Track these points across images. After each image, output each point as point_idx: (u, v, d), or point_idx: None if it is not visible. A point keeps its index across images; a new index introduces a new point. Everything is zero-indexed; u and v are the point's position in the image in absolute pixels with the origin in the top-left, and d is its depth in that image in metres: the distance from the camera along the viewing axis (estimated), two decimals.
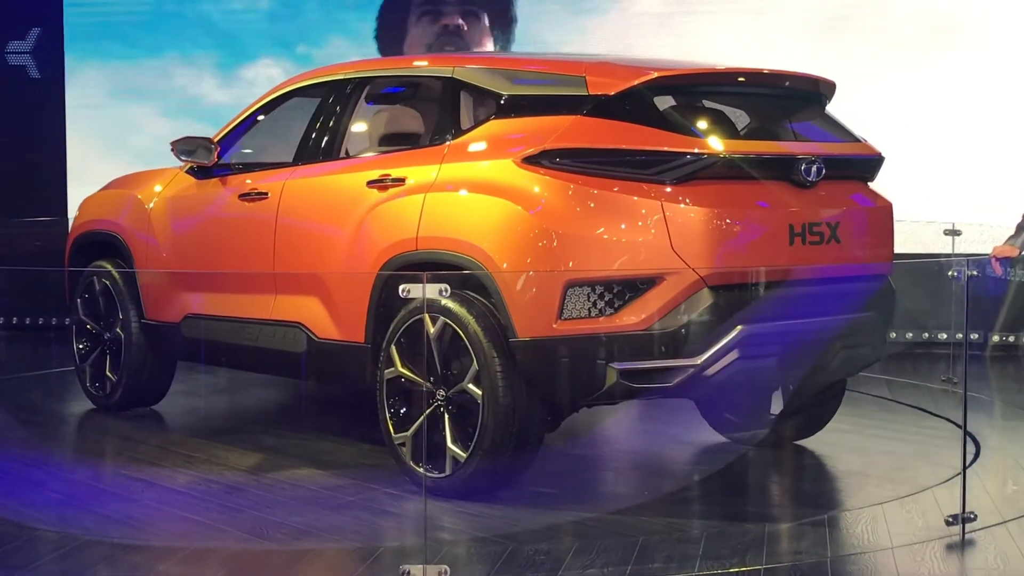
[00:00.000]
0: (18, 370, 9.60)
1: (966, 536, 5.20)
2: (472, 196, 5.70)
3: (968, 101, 10.02)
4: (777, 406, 6.75)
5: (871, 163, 6.11)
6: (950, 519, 5.26)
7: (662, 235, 5.34)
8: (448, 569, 4.63)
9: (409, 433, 5.77)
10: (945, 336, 8.05)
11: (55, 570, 4.80)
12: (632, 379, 5.36)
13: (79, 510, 5.64)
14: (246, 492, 5.94)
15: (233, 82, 11.51)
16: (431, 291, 5.04)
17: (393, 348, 5.78)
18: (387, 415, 5.87)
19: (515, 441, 5.53)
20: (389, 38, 11.00)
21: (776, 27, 10.55)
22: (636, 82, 5.63)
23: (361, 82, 6.71)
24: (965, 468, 5.44)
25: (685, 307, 5.35)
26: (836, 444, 6.98)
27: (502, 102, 5.90)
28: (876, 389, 8.18)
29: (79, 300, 7.63)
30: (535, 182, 5.51)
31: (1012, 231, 5.44)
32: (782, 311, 5.58)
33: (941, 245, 6.01)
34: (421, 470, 5.70)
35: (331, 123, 6.63)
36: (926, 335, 9.03)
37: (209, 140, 7.01)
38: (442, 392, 5.66)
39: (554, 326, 5.37)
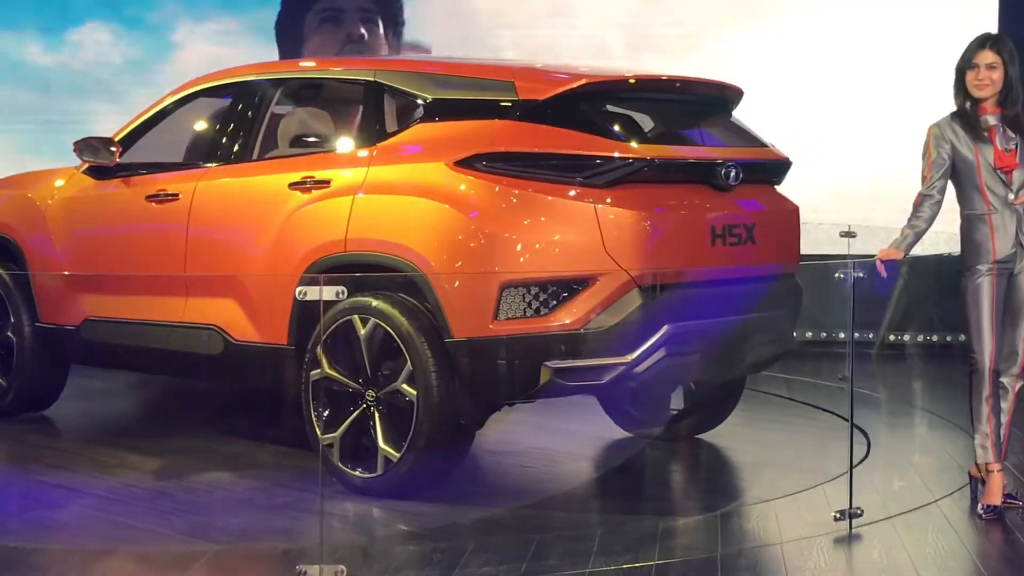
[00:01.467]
0: None
1: (853, 531, 5.28)
2: (405, 199, 5.71)
3: (865, 104, 10.18)
4: (677, 402, 6.81)
5: (780, 167, 6.30)
6: (838, 515, 5.35)
7: (595, 237, 5.44)
8: (344, 569, 4.62)
9: (337, 434, 5.79)
10: (843, 335, 8.13)
11: None
12: (565, 377, 5.45)
13: (12, 518, 5.57)
14: (161, 496, 5.91)
15: (60, 46, 11.21)
16: (328, 293, 5.04)
17: (319, 350, 5.77)
18: (313, 416, 5.83)
19: (449, 439, 5.60)
20: (287, 38, 10.88)
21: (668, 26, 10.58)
22: (566, 88, 5.73)
23: (276, 83, 6.68)
24: (852, 465, 5.51)
25: (617, 307, 5.43)
26: (733, 440, 7.06)
27: (429, 106, 5.93)
28: (775, 387, 8.28)
29: None
30: (469, 185, 5.57)
31: (899, 234, 5.51)
32: (704, 310, 5.72)
33: (840, 247, 6.08)
34: (350, 471, 5.73)
35: (245, 124, 6.58)
36: (824, 334, 9.17)
37: (110, 140, 6.90)
38: (372, 392, 5.69)
39: (490, 326, 5.43)
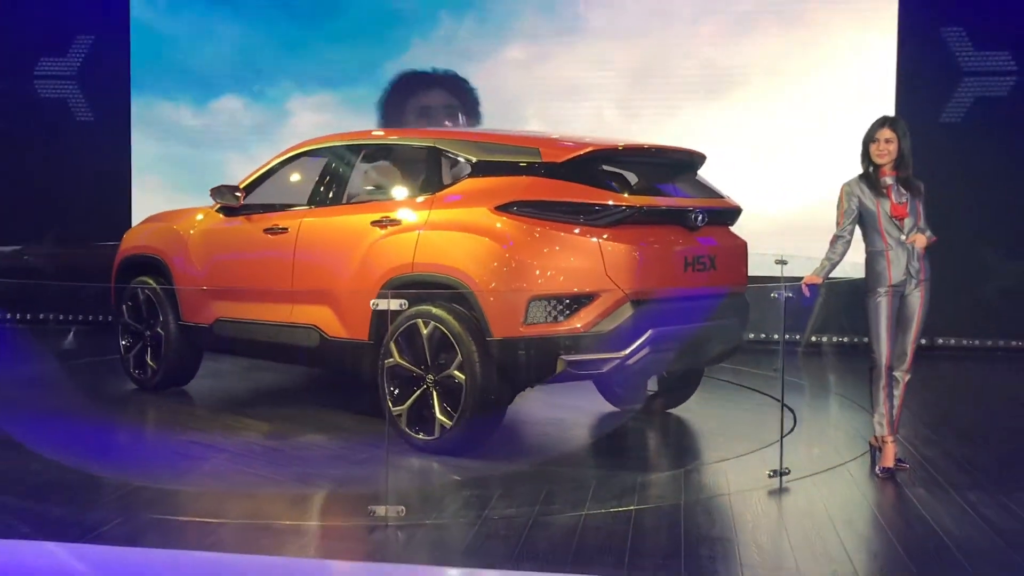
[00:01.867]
0: (81, 356, 9.44)
1: (783, 486, 5.27)
2: (457, 234, 5.75)
3: (794, 164, 10.15)
4: (653, 385, 6.82)
5: (734, 213, 6.35)
6: (771, 473, 5.34)
7: (599, 264, 5.50)
8: (404, 508, 4.64)
9: (405, 407, 5.81)
10: (777, 337, 8.12)
11: (115, 507, 4.78)
12: (576, 367, 5.51)
13: (164, 467, 5.59)
14: (274, 452, 5.91)
15: (204, 112, 11.26)
16: (394, 305, 5.15)
17: (392, 344, 5.81)
18: (386, 394, 5.87)
19: (488, 411, 5.63)
20: (392, 107, 10.90)
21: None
22: (577, 153, 5.77)
23: (361, 147, 6.70)
24: (782, 435, 5.52)
25: (614, 315, 5.49)
26: (695, 415, 7.02)
27: (475, 166, 5.95)
28: (726, 375, 8.26)
29: (124, 306, 7.54)
30: (505, 224, 5.62)
31: (819, 264, 5.51)
32: (678, 318, 5.76)
33: (775, 271, 6.10)
34: (414, 434, 5.78)
35: (337, 177, 6.60)
36: (763, 336, 9.13)
37: (236, 187, 6.95)
38: (431, 376, 5.72)
39: (520, 329, 5.49)
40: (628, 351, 5.54)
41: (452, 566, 4.15)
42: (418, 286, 5.80)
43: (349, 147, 6.71)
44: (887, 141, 5.45)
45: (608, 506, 4.88)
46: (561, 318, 5.48)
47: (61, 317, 11.11)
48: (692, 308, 5.88)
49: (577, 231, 5.55)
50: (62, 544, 4.27)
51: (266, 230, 6.73)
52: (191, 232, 7.27)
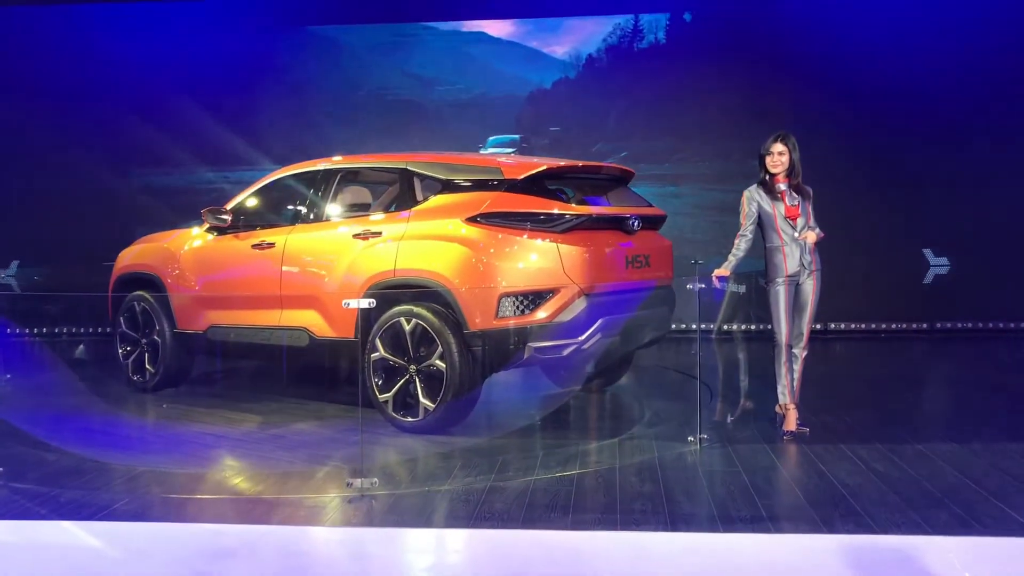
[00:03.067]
0: (90, 365, 9.22)
1: (702, 449, 5.32)
2: (434, 242, 5.73)
3: (707, 179, 10.26)
4: (590, 368, 6.81)
5: (661, 219, 6.44)
6: (691, 439, 5.37)
7: (557, 264, 5.53)
8: (376, 480, 4.61)
9: (391, 394, 5.79)
10: (694, 325, 8.19)
11: (124, 488, 4.71)
12: (541, 352, 5.54)
13: (165, 453, 5.47)
14: (263, 439, 5.82)
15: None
16: (364, 304, 5.11)
17: (377, 339, 5.80)
18: (373, 383, 5.84)
19: (465, 395, 5.62)
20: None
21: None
22: (534, 171, 5.79)
23: (339, 171, 6.58)
24: (700, 407, 5.55)
25: (571, 308, 5.52)
26: (627, 392, 7.06)
27: (444, 183, 5.94)
28: (652, 359, 8.32)
29: (121, 318, 7.36)
30: (476, 233, 5.62)
31: (726, 260, 5.57)
32: (621, 307, 5.80)
33: (690, 270, 6.15)
34: (401, 417, 5.77)
35: (319, 196, 6.50)
36: (683, 325, 9.19)
37: (226, 209, 6.85)
38: (413, 367, 5.71)
39: (493, 322, 5.49)
40: (583, 337, 5.59)
41: (420, 527, 4.12)
42: (400, 288, 5.79)
43: (328, 171, 6.61)
44: (780, 153, 5.54)
45: (554, 472, 4.90)
46: (527, 311, 5.50)
47: (74, 330, 10.90)
48: (633, 299, 5.95)
49: (538, 237, 5.57)
50: (76, 522, 4.19)
51: (254, 245, 6.62)
52: (184, 250, 7.12)
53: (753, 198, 5.58)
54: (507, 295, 5.49)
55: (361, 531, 4.13)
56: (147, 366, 7.25)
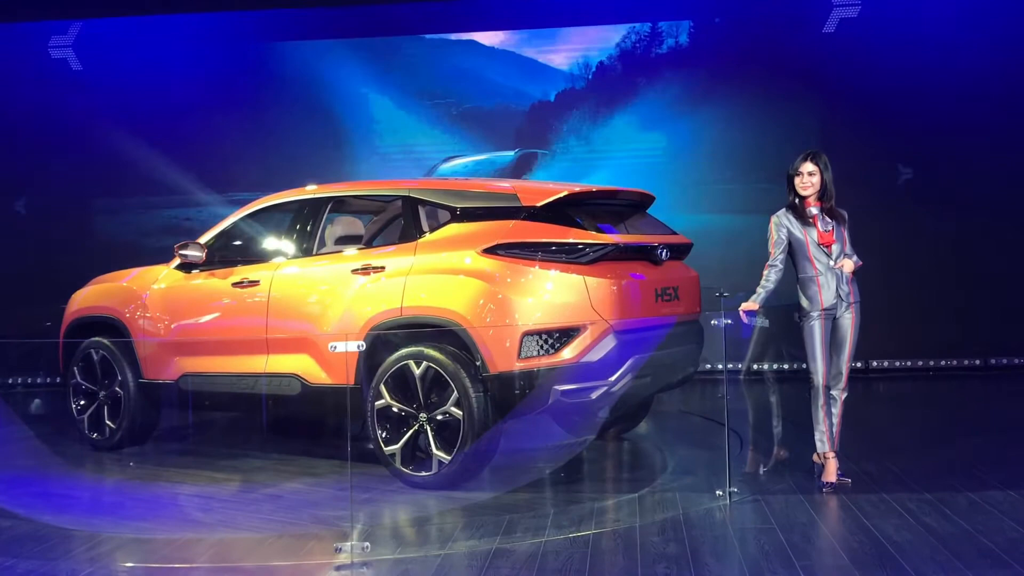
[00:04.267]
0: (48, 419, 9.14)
1: (733, 503, 5.32)
2: (447, 277, 5.72)
3: (731, 202, 10.32)
4: (605, 413, 6.79)
5: (687, 248, 6.50)
6: (720, 493, 5.36)
7: (584, 298, 5.55)
8: (369, 545, 4.60)
9: (399, 446, 5.77)
10: (721, 366, 8.20)
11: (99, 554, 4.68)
12: (567, 396, 5.53)
13: (132, 517, 5.48)
14: (256, 497, 5.83)
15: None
16: (351, 346, 5.14)
17: (382, 386, 5.79)
18: (378, 435, 5.83)
19: (486, 445, 5.62)
20: None
21: None
22: (554, 197, 5.81)
23: (331, 199, 6.62)
24: (729, 457, 5.54)
25: (601, 346, 5.53)
26: (646, 441, 7.06)
27: (456, 212, 5.95)
28: (674, 403, 8.31)
29: (75, 368, 7.24)
30: (494, 266, 5.63)
31: (754, 292, 5.59)
32: (651, 345, 5.82)
33: (716, 305, 6.18)
34: (411, 472, 5.75)
35: (308, 228, 6.51)
36: (708, 366, 9.19)
37: (201, 245, 6.82)
38: (424, 415, 5.69)
39: (516, 363, 5.46)
40: (614, 378, 5.61)
41: None
42: (409, 328, 5.78)
43: (317, 200, 6.61)
44: (810, 174, 5.58)
45: (567, 532, 4.88)
46: (552, 351, 5.50)
47: (28, 380, 10.90)
48: (662, 336, 5.97)
49: (562, 269, 5.60)
50: None
51: (235, 284, 6.58)
52: (152, 289, 7.03)
53: (782, 224, 5.61)
54: (530, 333, 5.49)
55: None
56: (107, 421, 7.14)
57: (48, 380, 10.70)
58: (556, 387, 5.48)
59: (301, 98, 10.91)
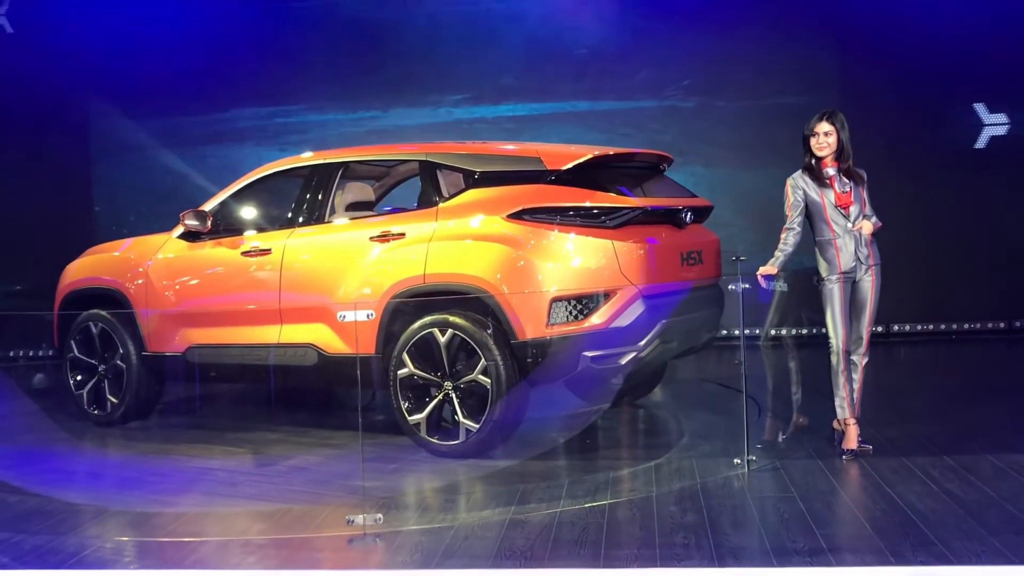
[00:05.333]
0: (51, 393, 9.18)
1: (751, 471, 5.32)
2: (472, 243, 5.74)
3: (749, 164, 10.26)
4: (618, 380, 6.79)
5: (708, 210, 6.50)
6: (738, 461, 5.36)
7: (613, 263, 5.59)
8: (381, 516, 4.62)
9: (424, 415, 5.81)
10: (738, 332, 8.19)
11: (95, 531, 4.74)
12: (596, 362, 5.57)
13: (139, 491, 5.51)
14: (269, 470, 5.86)
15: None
16: (361, 315, 5.16)
17: (405, 354, 5.82)
18: (401, 404, 5.87)
19: (513, 413, 5.67)
20: None
21: None
22: (580, 160, 5.81)
23: (344, 164, 6.59)
24: (747, 425, 5.54)
25: (630, 311, 5.57)
26: (662, 409, 7.07)
27: (476, 176, 5.94)
28: (690, 370, 8.31)
29: (72, 341, 7.21)
30: (521, 231, 5.64)
31: (772, 256, 5.57)
32: (679, 310, 5.86)
33: (732, 268, 6.17)
34: (436, 441, 5.81)
35: (319, 195, 6.46)
36: (724, 332, 9.17)
37: (206, 212, 6.75)
38: (448, 383, 5.74)
39: (545, 330, 5.49)
40: (643, 343, 5.67)
41: (430, 568, 4.13)
42: (432, 295, 5.79)
43: (328, 165, 6.56)
44: (826, 134, 5.53)
45: (582, 502, 4.89)
46: (581, 317, 5.55)
47: (31, 353, 10.97)
48: (688, 300, 6.02)
49: (591, 233, 5.62)
50: (42, 571, 4.22)
51: (244, 253, 6.56)
52: (155, 258, 6.98)
53: (798, 186, 5.58)
54: (559, 299, 5.53)
55: (365, 574, 4.14)
56: (108, 396, 7.12)
57: (51, 353, 10.72)
58: (585, 353, 5.53)
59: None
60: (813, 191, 5.55)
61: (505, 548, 4.28)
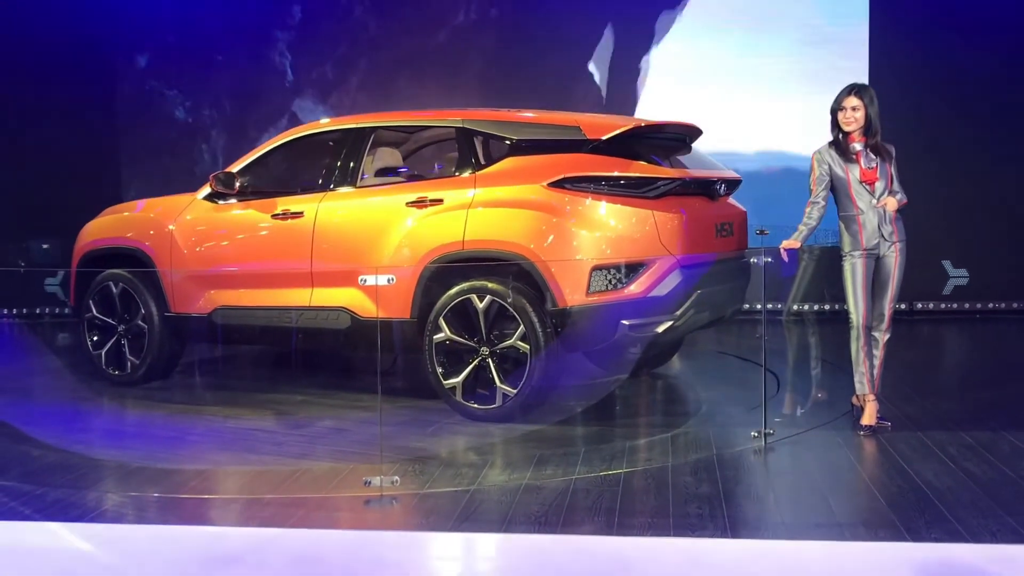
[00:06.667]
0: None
1: (768, 445, 5.31)
2: (513, 210, 5.78)
3: (773, 139, 10.17)
4: (636, 349, 6.81)
5: (737, 183, 6.53)
6: (756, 433, 5.37)
7: (653, 232, 5.65)
8: (398, 479, 4.66)
9: (460, 379, 5.88)
10: (760, 306, 8.17)
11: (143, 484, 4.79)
12: (634, 330, 5.65)
13: (160, 448, 5.57)
14: (294, 431, 5.91)
15: None
16: (382, 280, 5.20)
17: (441, 319, 5.89)
18: (436, 368, 5.93)
19: (549, 378, 5.74)
20: None
21: None
22: (620, 130, 5.85)
23: (377, 129, 6.61)
24: (765, 398, 5.54)
25: (668, 280, 5.63)
26: (681, 380, 7.07)
27: (514, 144, 5.99)
28: (709, 343, 8.29)
29: (91, 301, 7.16)
30: (561, 199, 5.70)
31: (796, 230, 5.54)
32: (711, 280, 5.92)
33: (756, 242, 6.16)
34: (472, 405, 5.88)
35: (351, 160, 6.46)
36: (746, 306, 9.13)
37: (234, 174, 6.73)
38: (485, 349, 5.81)
39: (585, 297, 5.57)
40: (679, 312, 5.74)
41: (446, 531, 4.17)
42: (470, 261, 5.84)
43: (360, 129, 6.55)
44: (854, 109, 5.48)
45: (598, 470, 4.92)
46: (620, 285, 5.61)
47: (56, 311, 11.07)
48: (721, 271, 6.08)
49: (631, 203, 5.66)
50: (64, 524, 4.29)
51: (275, 215, 6.54)
52: (180, 220, 6.93)
53: (824, 160, 5.54)
54: (600, 267, 5.59)
55: (380, 535, 4.18)
56: (129, 356, 7.11)
57: (68, 312, 10.83)
58: (623, 321, 5.60)
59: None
60: (838, 166, 5.51)
61: (520, 513, 4.31)
